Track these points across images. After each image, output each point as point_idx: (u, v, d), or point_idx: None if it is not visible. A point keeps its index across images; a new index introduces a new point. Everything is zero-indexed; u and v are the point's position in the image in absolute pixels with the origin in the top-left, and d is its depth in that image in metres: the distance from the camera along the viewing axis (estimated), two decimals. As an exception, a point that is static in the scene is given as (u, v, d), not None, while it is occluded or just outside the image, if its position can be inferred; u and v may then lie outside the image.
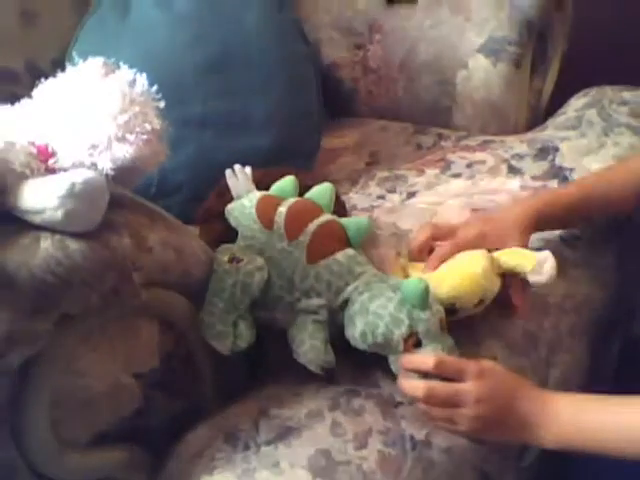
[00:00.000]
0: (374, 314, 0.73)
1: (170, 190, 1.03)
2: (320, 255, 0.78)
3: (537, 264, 0.80)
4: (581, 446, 0.70)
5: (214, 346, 0.75)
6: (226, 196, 0.88)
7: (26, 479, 0.64)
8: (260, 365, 0.82)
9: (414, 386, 0.72)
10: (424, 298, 0.72)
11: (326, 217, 0.82)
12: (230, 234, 0.85)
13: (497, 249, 0.83)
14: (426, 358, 0.71)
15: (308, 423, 0.72)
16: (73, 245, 0.62)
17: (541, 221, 0.87)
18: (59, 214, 0.61)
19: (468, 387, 0.70)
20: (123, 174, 0.67)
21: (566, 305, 0.91)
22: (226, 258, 0.76)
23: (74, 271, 0.61)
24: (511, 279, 0.82)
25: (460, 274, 0.80)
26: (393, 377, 0.77)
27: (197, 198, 0.96)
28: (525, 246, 0.85)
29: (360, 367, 0.80)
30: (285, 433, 0.71)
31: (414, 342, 0.73)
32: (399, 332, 0.72)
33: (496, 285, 0.81)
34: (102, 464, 0.71)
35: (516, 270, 0.81)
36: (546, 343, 0.86)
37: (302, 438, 0.70)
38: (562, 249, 0.97)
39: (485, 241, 0.84)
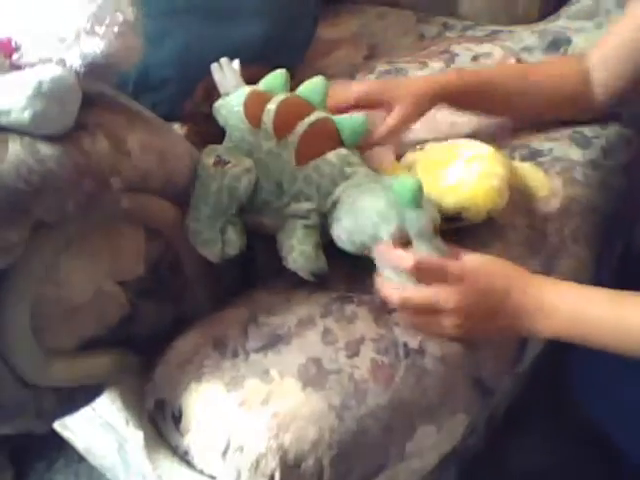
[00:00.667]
0: (362, 212, 0.69)
1: (155, 85, 0.97)
2: (310, 156, 0.73)
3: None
4: (580, 339, 0.67)
5: (203, 254, 0.72)
6: (214, 93, 0.83)
7: (13, 389, 0.63)
8: (250, 271, 0.80)
9: (389, 292, 0.69)
10: (416, 197, 0.67)
11: (318, 115, 0.77)
12: (220, 135, 0.80)
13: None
14: (405, 255, 0.67)
15: (298, 331, 0.70)
16: (45, 150, 0.58)
17: (439, 96, 0.86)
18: (26, 115, 0.57)
19: (446, 293, 0.67)
20: (95, 71, 0.62)
21: (571, 209, 0.87)
22: (211, 161, 0.72)
23: (47, 178, 0.57)
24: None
25: (475, 186, 0.75)
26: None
27: (185, 94, 0.91)
28: (413, 114, 0.85)
29: (353, 273, 0.77)
30: (275, 341, 0.69)
31: (403, 244, 0.68)
32: (387, 230, 0.68)
33: (506, 199, 0.77)
34: (90, 370, 0.71)
35: (528, 190, 0.77)
36: (550, 248, 0.83)
37: (292, 346, 0.69)
38: (571, 149, 0.92)
39: (374, 97, 0.84)
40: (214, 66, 0.82)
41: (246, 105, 0.77)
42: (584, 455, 1.13)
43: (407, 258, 0.67)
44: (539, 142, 0.95)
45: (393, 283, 0.69)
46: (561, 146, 0.93)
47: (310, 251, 0.72)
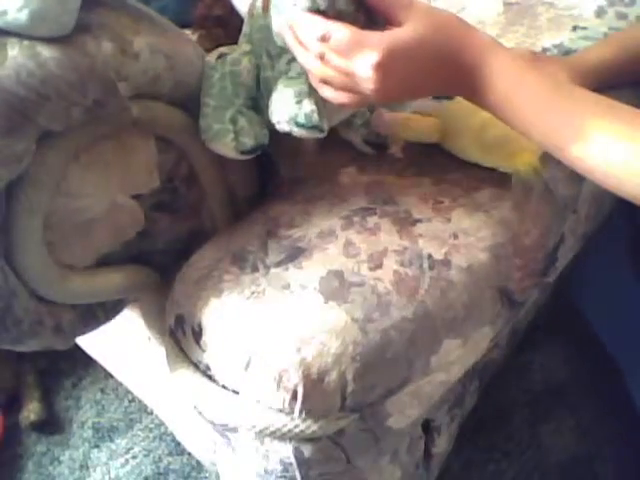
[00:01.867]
0: None
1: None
2: None
3: None
4: (510, 119, 0.59)
5: (216, 150, 0.68)
6: (224, -4, 0.78)
7: (29, 304, 0.62)
8: (268, 183, 0.77)
9: (304, 55, 0.59)
10: None
11: None
12: (233, 39, 0.75)
13: None
14: (317, 22, 0.57)
15: (319, 243, 0.68)
16: (45, 52, 0.54)
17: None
18: (24, 15, 0.53)
19: (363, 54, 0.55)
20: (96, -35, 0.57)
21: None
22: (214, 57, 0.67)
23: (49, 82, 0.54)
24: None
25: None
26: (410, 194, 0.72)
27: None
28: None
29: (374, 185, 0.74)
30: (295, 254, 0.67)
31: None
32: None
33: None
34: (107, 286, 0.69)
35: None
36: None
37: (313, 259, 0.66)
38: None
39: None
40: None
41: None
42: (597, 373, 1.13)
43: (318, 27, 0.56)
44: (572, 41, 0.88)
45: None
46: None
47: (289, 96, 0.64)
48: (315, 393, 0.61)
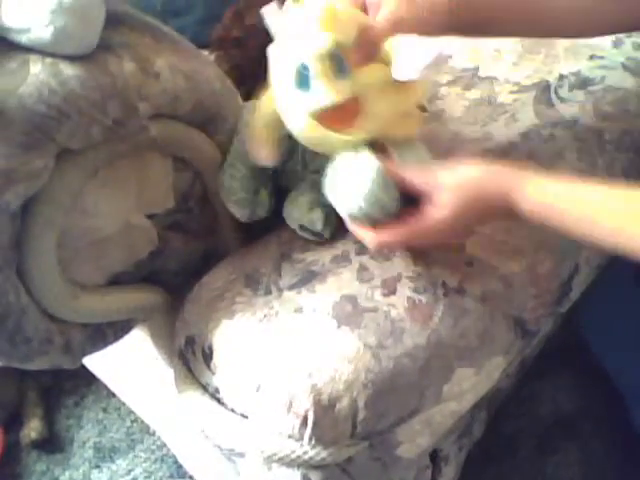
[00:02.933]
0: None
1: (181, 9, 0.93)
2: None
3: None
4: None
5: (232, 212, 0.70)
6: (244, 17, 0.78)
7: (39, 323, 0.62)
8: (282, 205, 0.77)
9: (362, 235, 0.63)
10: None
11: None
12: (250, 62, 0.76)
13: None
14: (367, 236, 0.62)
15: (333, 268, 0.67)
16: (67, 70, 0.54)
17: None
18: (48, 33, 0.53)
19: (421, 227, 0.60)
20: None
21: (624, 142, 0.82)
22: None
23: (71, 101, 0.54)
24: None
25: None
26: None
27: (212, 19, 0.86)
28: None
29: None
30: (309, 278, 0.67)
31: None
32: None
33: None
34: (117, 305, 0.69)
35: None
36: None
37: (327, 283, 0.66)
38: (626, 76, 0.86)
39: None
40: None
41: None
42: (605, 405, 1.12)
43: (369, 239, 0.62)
44: (589, 69, 0.89)
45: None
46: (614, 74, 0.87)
47: (302, 203, 0.69)
48: (325, 420, 0.60)
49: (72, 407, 1.24)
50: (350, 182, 0.61)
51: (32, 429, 1.17)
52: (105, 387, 1.18)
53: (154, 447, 1.16)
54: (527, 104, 0.85)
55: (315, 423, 0.60)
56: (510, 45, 0.93)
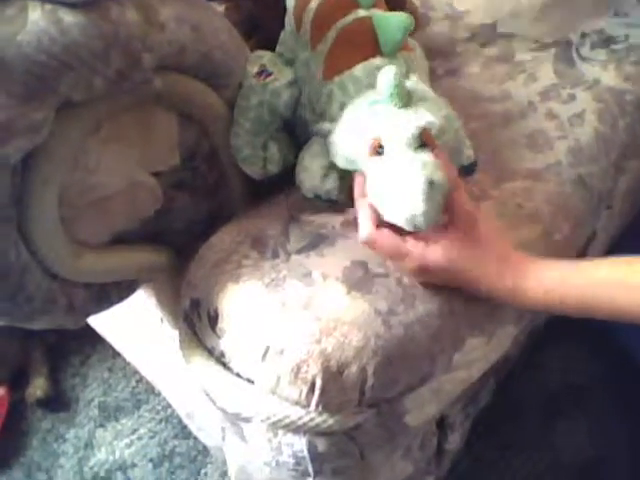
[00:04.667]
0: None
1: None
2: (337, 70, 0.64)
3: None
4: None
5: (245, 170, 0.68)
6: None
7: (42, 282, 0.60)
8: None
9: (362, 226, 0.60)
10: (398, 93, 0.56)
11: (355, 15, 0.65)
12: (264, 12, 0.72)
13: None
14: (364, 225, 0.59)
15: (343, 232, 0.65)
16: (68, 18, 0.51)
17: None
18: (47, -23, 0.50)
19: (417, 253, 0.59)
20: None
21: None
22: (254, 70, 0.65)
23: (72, 50, 0.51)
24: None
25: None
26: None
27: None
28: None
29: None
30: (318, 241, 0.65)
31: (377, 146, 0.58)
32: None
33: None
34: (121, 265, 0.67)
35: None
36: (619, 146, 0.76)
37: (336, 247, 0.64)
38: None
39: None
40: None
41: (296, 2, 0.68)
42: (616, 378, 1.10)
43: (363, 229, 0.59)
44: (613, 27, 0.85)
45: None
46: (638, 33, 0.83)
47: (316, 170, 0.65)
48: (333, 386, 0.59)
49: (77, 366, 1.24)
50: (405, 193, 0.55)
51: (37, 387, 1.17)
52: (110, 346, 1.17)
53: (159, 407, 1.16)
54: (547, 62, 0.81)
55: (323, 390, 0.58)
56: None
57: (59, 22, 0.51)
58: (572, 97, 0.76)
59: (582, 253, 0.75)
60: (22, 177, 0.55)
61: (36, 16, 0.51)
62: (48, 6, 0.52)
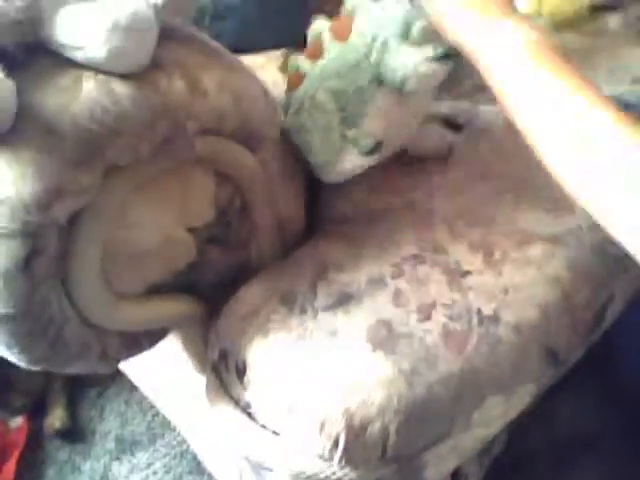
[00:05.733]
0: None
1: (222, 13, 0.92)
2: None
3: None
4: None
5: (345, 174, 0.76)
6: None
7: (79, 330, 0.62)
8: (314, 220, 0.77)
9: None
10: None
11: None
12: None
13: None
14: None
15: (369, 290, 0.68)
16: (120, 89, 0.55)
17: None
18: (103, 51, 0.53)
19: None
20: (174, 3, 0.57)
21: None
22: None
23: (123, 120, 0.54)
24: None
25: None
26: (460, 244, 0.72)
27: (252, 22, 0.86)
28: None
29: (423, 227, 0.74)
30: (344, 299, 0.67)
31: None
32: None
33: None
34: (155, 315, 0.69)
35: None
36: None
37: (362, 306, 0.66)
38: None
39: None
40: None
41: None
42: (631, 425, 1.10)
43: None
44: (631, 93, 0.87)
45: None
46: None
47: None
48: (357, 443, 0.61)
49: (95, 398, 1.26)
50: None
51: (56, 418, 1.19)
52: (128, 380, 1.19)
53: (174, 442, 1.18)
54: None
55: (346, 446, 0.60)
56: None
57: (111, 93, 0.54)
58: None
59: (601, 315, 0.77)
60: (68, 234, 0.58)
61: (90, 86, 0.54)
62: (101, 77, 0.55)
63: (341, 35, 0.72)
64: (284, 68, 0.87)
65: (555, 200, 0.77)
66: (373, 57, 0.69)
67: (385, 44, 0.68)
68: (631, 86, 0.88)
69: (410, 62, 0.66)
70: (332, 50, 0.73)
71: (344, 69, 0.71)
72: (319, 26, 0.75)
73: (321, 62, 0.74)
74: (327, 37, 0.74)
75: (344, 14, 0.74)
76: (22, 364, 0.63)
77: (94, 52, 0.53)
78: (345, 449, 0.61)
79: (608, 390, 1.15)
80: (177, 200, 0.65)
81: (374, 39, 0.68)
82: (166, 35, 0.60)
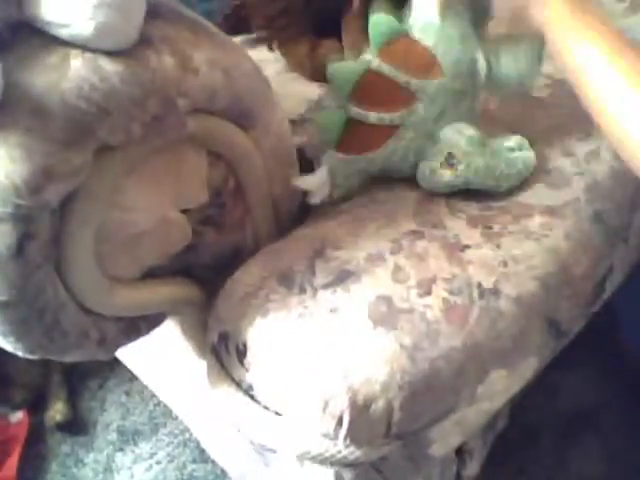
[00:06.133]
0: None
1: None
2: None
3: None
4: None
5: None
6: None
7: (76, 316, 0.62)
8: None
9: None
10: None
11: None
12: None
13: None
14: None
15: (368, 267, 0.67)
16: (108, 66, 0.53)
17: None
18: (90, 27, 0.52)
19: None
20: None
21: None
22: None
23: (112, 97, 0.53)
24: None
25: None
26: (459, 219, 0.71)
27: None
28: None
29: (422, 208, 0.73)
30: (343, 277, 0.66)
31: None
32: None
33: None
34: (152, 299, 0.68)
35: None
36: (633, 183, 0.77)
37: (362, 283, 0.65)
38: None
39: None
40: None
41: None
42: (633, 397, 1.11)
43: None
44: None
45: None
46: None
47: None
48: (361, 420, 0.60)
49: (95, 390, 1.26)
50: None
51: (56, 411, 1.18)
52: (128, 370, 1.18)
53: (177, 431, 1.17)
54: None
55: (350, 424, 0.60)
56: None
57: (100, 70, 0.53)
58: (587, 134, 0.78)
59: (601, 286, 0.76)
60: (60, 217, 0.57)
61: (78, 64, 0.53)
62: (88, 54, 0.54)
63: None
64: (313, 56, 0.87)
65: (552, 172, 0.76)
66: None
67: None
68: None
69: None
70: None
71: None
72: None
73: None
74: None
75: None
76: (19, 353, 0.62)
77: (80, 29, 0.52)
78: (349, 427, 0.60)
79: (610, 363, 1.15)
80: (170, 182, 0.64)
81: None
82: (154, 13, 0.59)
